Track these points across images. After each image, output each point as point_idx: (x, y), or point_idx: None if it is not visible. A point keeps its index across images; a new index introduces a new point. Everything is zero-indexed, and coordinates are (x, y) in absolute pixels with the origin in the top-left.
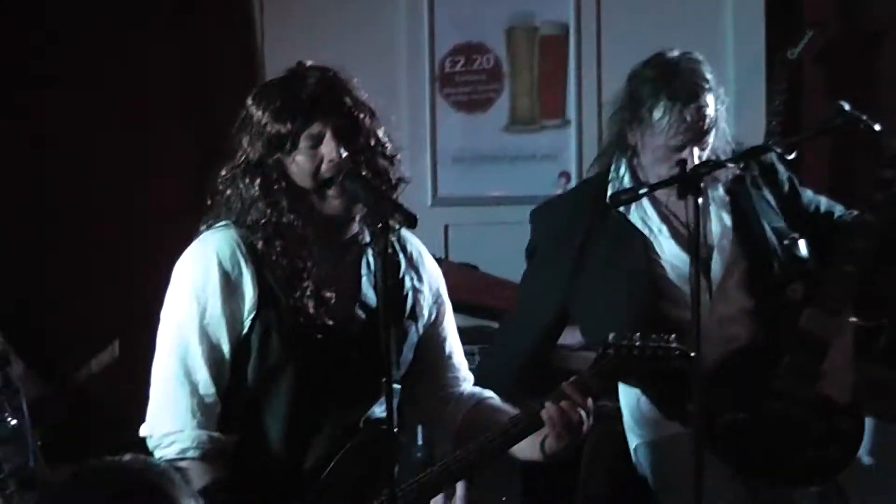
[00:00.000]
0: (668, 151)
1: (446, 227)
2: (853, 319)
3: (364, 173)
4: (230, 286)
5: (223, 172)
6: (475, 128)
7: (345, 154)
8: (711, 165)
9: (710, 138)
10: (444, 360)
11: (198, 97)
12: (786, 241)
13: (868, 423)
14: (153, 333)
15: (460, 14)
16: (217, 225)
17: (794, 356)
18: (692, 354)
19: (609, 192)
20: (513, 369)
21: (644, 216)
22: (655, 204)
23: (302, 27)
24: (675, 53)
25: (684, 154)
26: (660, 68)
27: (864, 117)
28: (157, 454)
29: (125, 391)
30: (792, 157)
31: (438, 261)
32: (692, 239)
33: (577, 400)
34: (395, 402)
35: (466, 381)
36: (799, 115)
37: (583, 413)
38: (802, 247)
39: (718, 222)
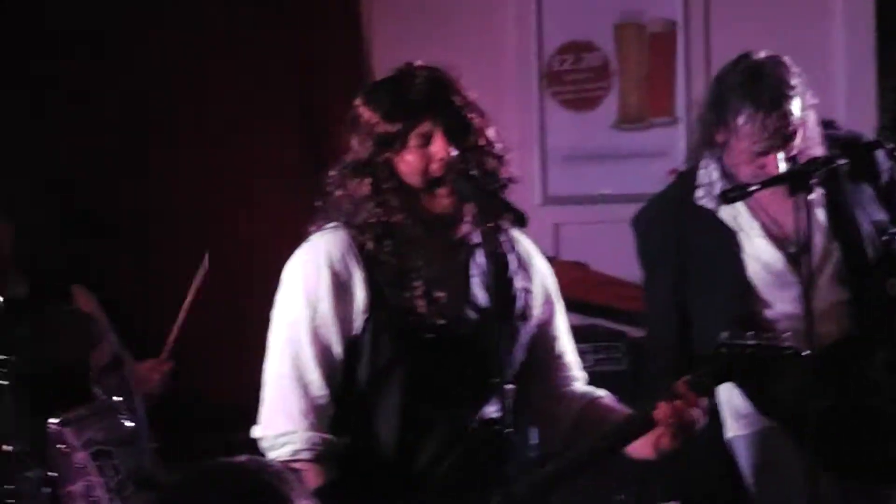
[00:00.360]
0: (751, 156)
1: (556, 226)
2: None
3: (474, 172)
4: (341, 288)
5: (332, 173)
6: (584, 126)
7: (454, 153)
8: (822, 163)
9: (796, 141)
10: (555, 360)
11: (305, 98)
12: (885, 237)
13: None
14: (258, 336)
15: (568, 12)
16: (327, 227)
17: (888, 352)
18: (805, 353)
19: (697, 192)
20: (658, 376)
21: (735, 213)
22: (745, 201)
23: (409, 27)
24: (762, 56)
25: (767, 160)
26: (745, 73)
27: None
28: (271, 455)
29: (233, 391)
30: None
31: (549, 259)
32: (801, 237)
33: (690, 399)
34: (508, 402)
35: (579, 380)
36: None
37: (696, 412)
38: None
39: (812, 218)
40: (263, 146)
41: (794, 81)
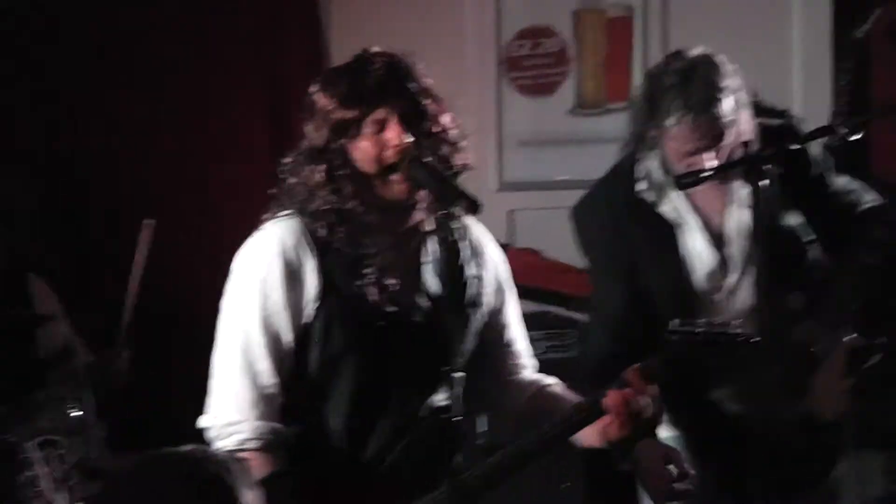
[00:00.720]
0: (681, 155)
1: (511, 213)
2: (851, 336)
3: (428, 159)
4: (293, 277)
5: (287, 160)
6: (541, 112)
7: (409, 140)
8: (776, 150)
9: (728, 141)
10: (506, 347)
11: (268, 85)
12: (804, 245)
13: None
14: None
15: None
16: (281, 214)
17: (785, 368)
18: (756, 339)
19: (638, 184)
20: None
21: (676, 207)
22: (685, 196)
23: (367, 12)
24: (695, 54)
25: (696, 159)
26: (677, 74)
27: None
28: (218, 444)
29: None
30: (858, 137)
31: (503, 247)
32: (757, 225)
33: (639, 387)
34: (458, 390)
35: (529, 367)
36: (867, 95)
37: (645, 400)
38: (816, 252)
39: (737, 217)
40: (230, 131)
41: (725, 82)
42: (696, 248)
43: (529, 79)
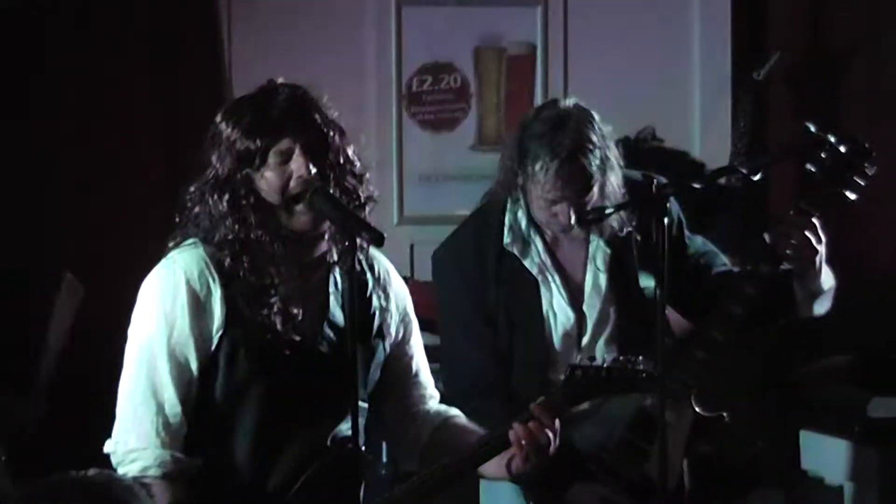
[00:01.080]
0: (545, 203)
1: (412, 246)
2: (695, 408)
3: (332, 191)
4: (198, 305)
5: (191, 189)
6: (442, 147)
7: (314, 171)
8: (675, 187)
9: (593, 194)
10: (410, 378)
11: (167, 115)
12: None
13: None
14: (119, 351)
15: (428, 33)
16: (185, 243)
17: (628, 432)
18: (656, 375)
19: (505, 237)
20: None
21: (540, 262)
22: (549, 251)
23: (269, 44)
24: (569, 105)
25: (559, 209)
26: (548, 122)
27: (831, 138)
28: (121, 470)
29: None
30: (757, 178)
31: (405, 279)
32: (659, 262)
33: (544, 421)
34: (362, 420)
35: (433, 398)
36: (765, 137)
37: (550, 434)
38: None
39: (593, 277)
40: (128, 162)
41: (595, 136)
42: (556, 305)
43: (431, 114)
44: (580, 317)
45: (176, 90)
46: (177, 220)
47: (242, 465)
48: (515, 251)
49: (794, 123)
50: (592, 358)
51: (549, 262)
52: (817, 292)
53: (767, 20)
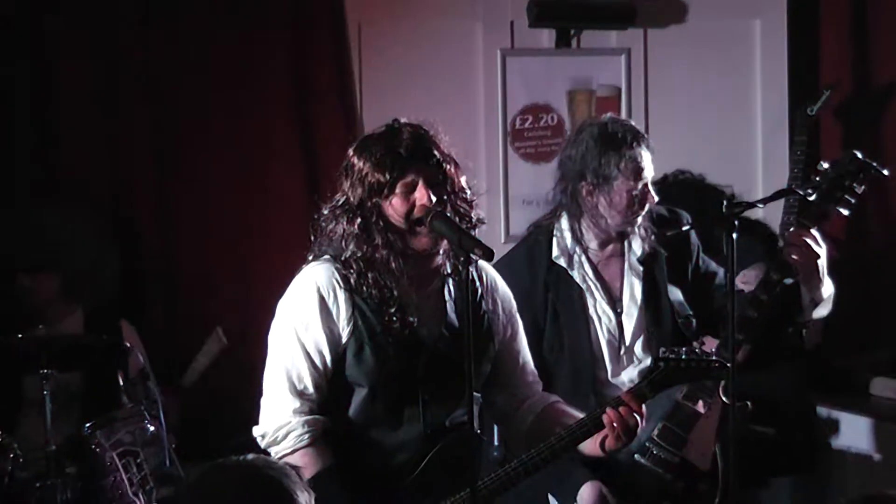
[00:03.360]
0: (626, 194)
1: None
2: (723, 399)
3: (449, 214)
4: (326, 309)
5: (324, 212)
6: (541, 176)
7: (434, 199)
8: (744, 206)
9: (648, 176)
10: (517, 370)
11: (306, 145)
12: (680, 319)
13: None
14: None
15: (529, 79)
16: (320, 258)
17: (667, 423)
18: (728, 365)
19: (554, 252)
20: None
21: (584, 273)
22: (591, 265)
23: (394, 87)
24: (617, 125)
25: (638, 191)
26: (607, 131)
27: (874, 164)
28: (272, 450)
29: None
30: (812, 197)
31: None
32: (728, 275)
33: (633, 406)
34: (477, 408)
35: (537, 385)
36: (818, 163)
37: (637, 417)
38: (693, 326)
39: (629, 287)
40: (275, 188)
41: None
42: (599, 310)
43: (531, 148)
44: (619, 322)
45: (314, 123)
46: (312, 238)
47: (375, 445)
48: (562, 263)
49: (843, 151)
50: (674, 350)
51: (591, 274)
52: (818, 299)
53: (819, 63)
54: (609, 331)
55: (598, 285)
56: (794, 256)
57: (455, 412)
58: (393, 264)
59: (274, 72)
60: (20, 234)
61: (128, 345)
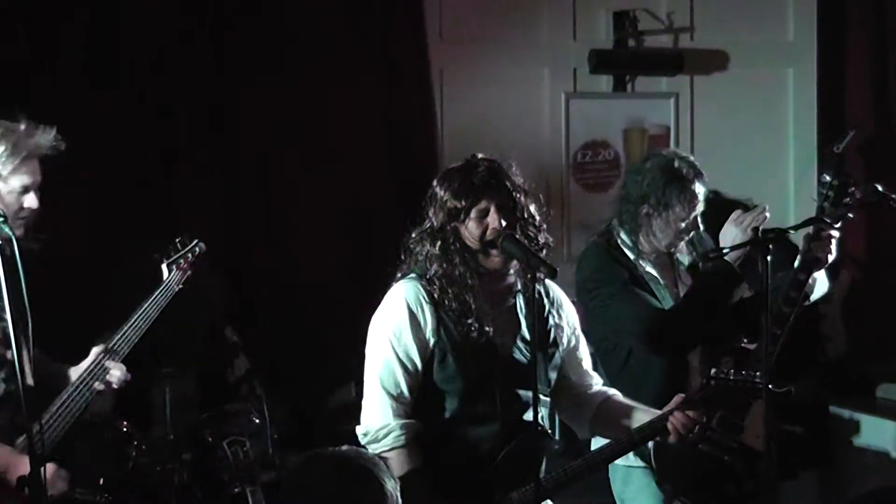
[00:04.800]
0: (680, 224)
1: None
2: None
3: (519, 237)
4: (415, 321)
5: (412, 235)
6: (599, 203)
7: (504, 223)
8: (777, 232)
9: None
10: (579, 375)
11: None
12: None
13: None
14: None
15: (589, 118)
16: (408, 276)
17: (725, 411)
18: (770, 387)
19: (624, 249)
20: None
21: (651, 269)
22: (653, 264)
23: (472, 126)
24: (667, 152)
25: (690, 224)
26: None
27: (893, 196)
28: (372, 448)
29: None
30: (838, 225)
31: (573, 303)
32: (762, 293)
33: (695, 415)
34: (545, 410)
35: (598, 384)
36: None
37: (693, 425)
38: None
39: (683, 290)
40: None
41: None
42: (662, 299)
43: (591, 179)
44: None
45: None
46: (402, 258)
47: (455, 441)
48: (634, 258)
49: (866, 185)
50: (720, 371)
51: (654, 270)
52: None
53: (844, 107)
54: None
55: (660, 279)
56: (820, 253)
57: (527, 413)
58: (470, 281)
59: (371, 115)
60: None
61: (235, 346)
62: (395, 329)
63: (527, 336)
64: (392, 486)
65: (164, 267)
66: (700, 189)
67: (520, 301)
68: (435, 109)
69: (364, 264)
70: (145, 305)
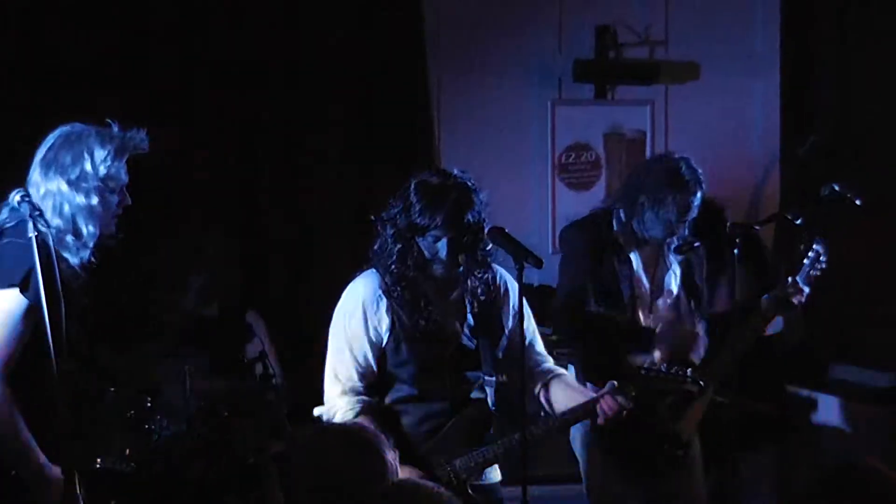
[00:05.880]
0: (667, 224)
1: None
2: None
3: (507, 231)
4: (369, 313)
5: (383, 216)
6: (582, 201)
7: (449, 257)
8: (744, 227)
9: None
10: (527, 353)
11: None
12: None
13: None
14: None
15: (573, 123)
16: (367, 272)
17: (674, 399)
18: (701, 384)
19: (615, 232)
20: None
21: (634, 255)
22: (638, 249)
23: (466, 128)
24: (678, 157)
25: (678, 227)
26: (674, 169)
27: (849, 195)
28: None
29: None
30: (799, 221)
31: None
32: (730, 282)
33: (623, 400)
34: (490, 389)
35: (545, 362)
36: (804, 193)
37: (624, 409)
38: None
39: (673, 277)
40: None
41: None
42: (642, 284)
43: (574, 179)
44: (652, 294)
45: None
46: (369, 255)
47: (409, 414)
48: (623, 243)
49: (825, 184)
50: (653, 365)
51: (637, 259)
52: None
53: (806, 113)
54: (642, 299)
55: (643, 272)
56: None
57: (474, 391)
58: (421, 282)
59: (374, 119)
60: (158, 257)
61: (250, 329)
62: (349, 322)
63: (471, 322)
64: (392, 457)
65: None
66: (696, 201)
67: (466, 292)
68: (433, 113)
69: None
70: None
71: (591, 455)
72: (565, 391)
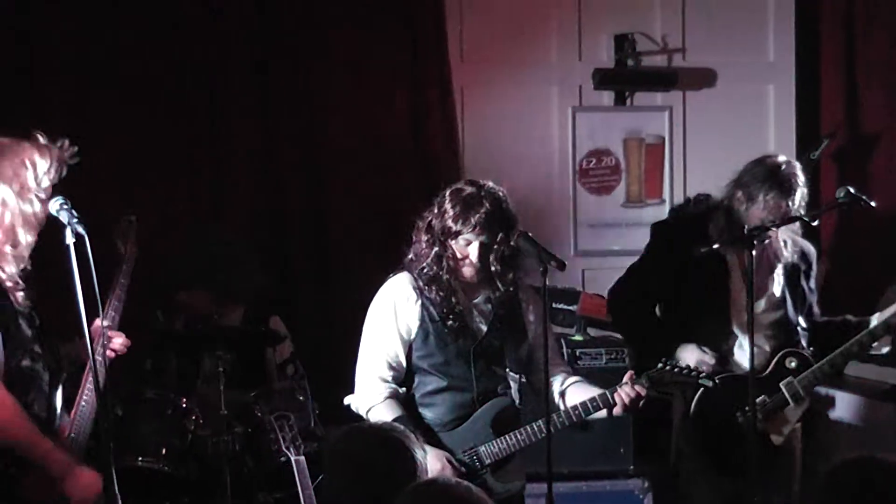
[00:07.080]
0: (761, 222)
1: (583, 271)
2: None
3: (531, 235)
4: (402, 311)
5: (419, 224)
6: (603, 205)
7: (479, 261)
8: (761, 229)
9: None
10: (545, 356)
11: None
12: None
13: None
14: None
15: (593, 129)
16: (399, 273)
17: (769, 399)
18: (710, 384)
19: (710, 230)
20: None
21: (727, 252)
22: (735, 255)
23: (489, 137)
24: (782, 159)
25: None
26: (772, 168)
27: (864, 197)
28: (357, 410)
29: None
30: (815, 223)
31: (577, 293)
32: (747, 278)
33: (639, 391)
34: (515, 385)
35: (563, 371)
36: (819, 196)
37: (640, 399)
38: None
39: (779, 285)
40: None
41: (801, 181)
42: (735, 283)
43: (595, 183)
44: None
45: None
46: (401, 259)
47: (434, 404)
48: (717, 245)
49: (839, 187)
50: (668, 362)
51: (734, 259)
52: None
53: (820, 118)
54: (740, 300)
55: (737, 264)
56: None
57: (497, 387)
58: (452, 284)
59: (399, 127)
60: (181, 256)
61: (280, 334)
62: (382, 318)
63: (498, 323)
64: (421, 456)
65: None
66: (791, 204)
67: (493, 294)
68: (457, 123)
69: (393, 253)
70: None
71: (686, 440)
72: (584, 390)
